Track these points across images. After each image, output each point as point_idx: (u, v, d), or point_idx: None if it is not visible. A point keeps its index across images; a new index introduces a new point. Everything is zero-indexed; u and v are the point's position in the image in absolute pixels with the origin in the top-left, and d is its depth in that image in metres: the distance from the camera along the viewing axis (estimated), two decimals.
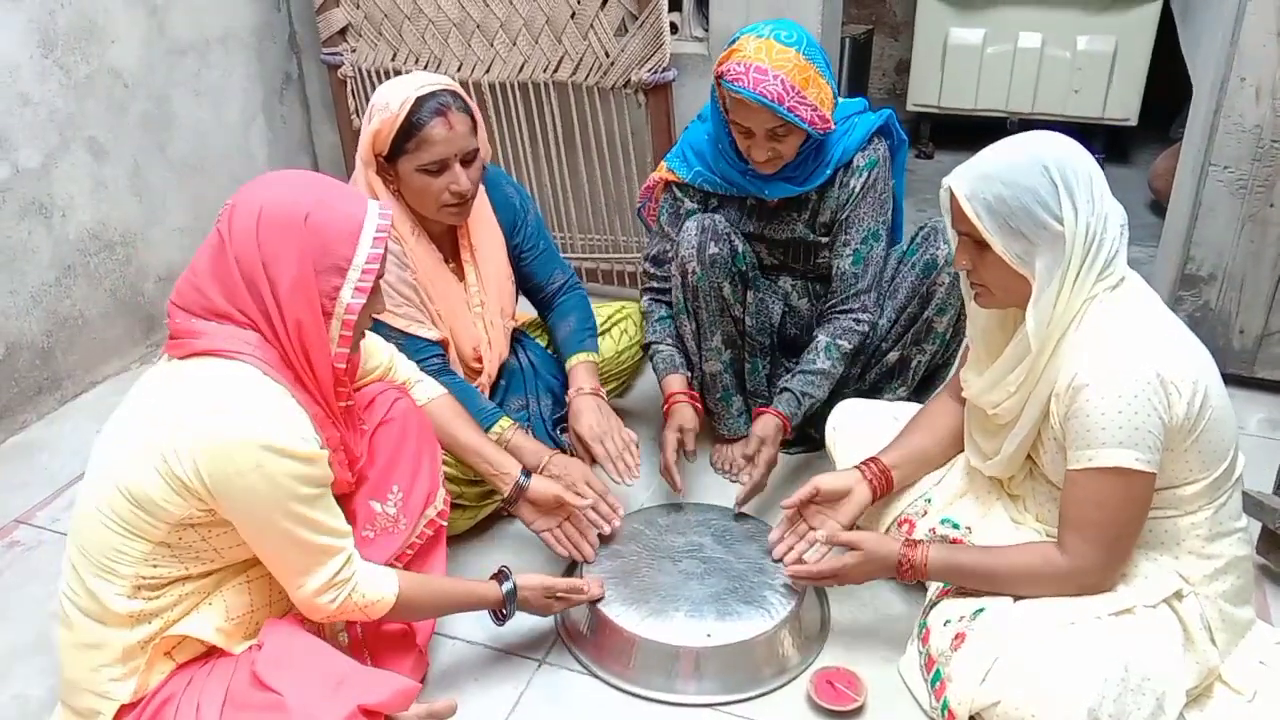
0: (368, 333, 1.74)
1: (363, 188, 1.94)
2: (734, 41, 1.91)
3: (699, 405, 2.18)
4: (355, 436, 1.56)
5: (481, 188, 2.07)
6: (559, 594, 1.73)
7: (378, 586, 1.46)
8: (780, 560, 1.80)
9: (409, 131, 1.84)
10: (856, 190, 2.05)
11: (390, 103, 1.84)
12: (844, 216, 2.08)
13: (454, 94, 1.88)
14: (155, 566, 1.35)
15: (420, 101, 1.84)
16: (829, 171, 2.04)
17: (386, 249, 1.40)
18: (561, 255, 2.31)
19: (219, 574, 1.43)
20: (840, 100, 2.06)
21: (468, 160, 1.91)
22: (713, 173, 2.10)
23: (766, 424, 2.06)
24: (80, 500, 1.38)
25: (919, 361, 2.17)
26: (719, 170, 2.09)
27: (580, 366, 2.14)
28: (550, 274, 2.25)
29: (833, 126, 1.95)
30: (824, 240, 2.13)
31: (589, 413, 2.03)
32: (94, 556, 1.34)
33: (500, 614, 1.69)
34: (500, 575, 1.69)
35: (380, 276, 1.40)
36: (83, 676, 1.38)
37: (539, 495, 1.85)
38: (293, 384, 1.37)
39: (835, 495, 1.77)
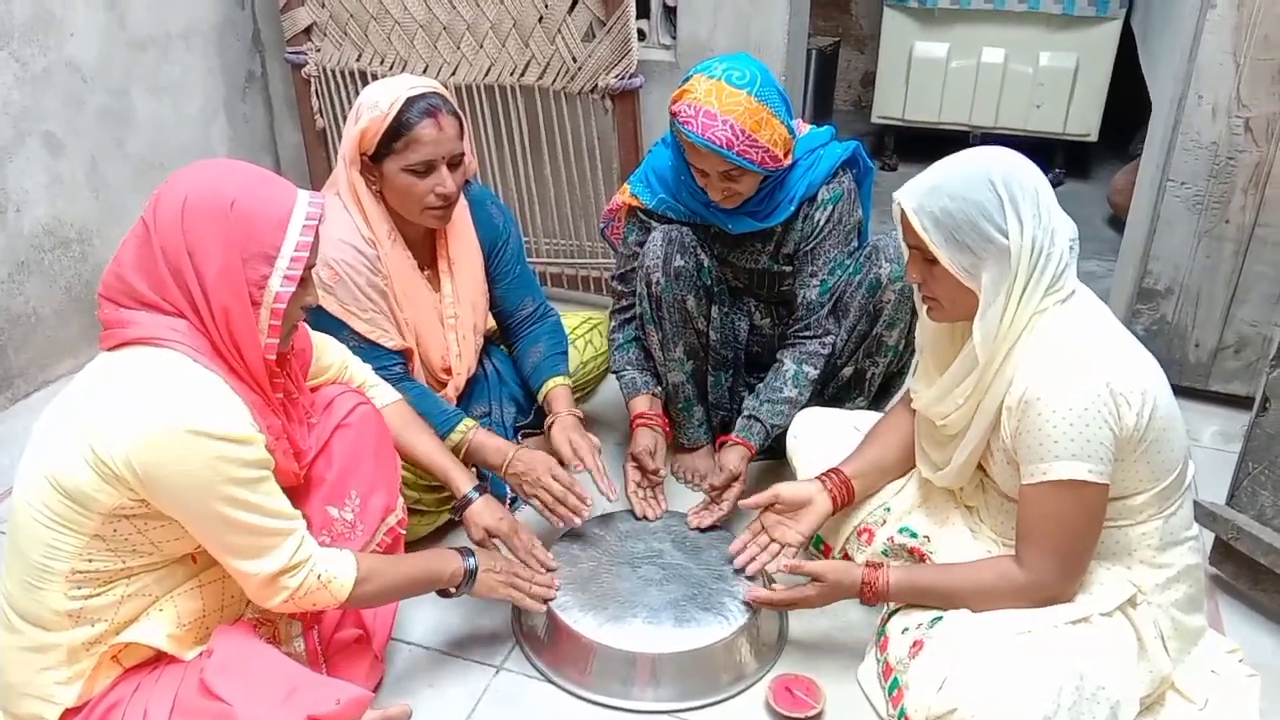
0: (321, 334, 1.72)
1: (344, 187, 1.92)
2: (688, 79, 1.89)
3: (664, 422, 2.19)
4: (300, 429, 1.52)
5: (464, 202, 2.05)
6: (519, 550, 1.76)
7: (337, 564, 1.42)
8: (742, 570, 1.80)
9: (398, 131, 1.83)
10: (821, 224, 2.05)
11: (380, 102, 1.84)
12: (809, 249, 2.07)
13: (443, 97, 1.89)
14: (90, 561, 1.31)
15: (410, 102, 1.83)
16: (793, 207, 2.03)
17: (317, 237, 1.37)
18: (538, 283, 2.30)
19: (163, 574, 1.40)
20: (809, 129, 2.06)
21: (454, 164, 1.90)
22: (676, 201, 2.09)
23: (736, 457, 2.04)
24: (14, 498, 1.35)
25: (874, 374, 2.18)
26: (682, 200, 2.08)
27: (557, 390, 2.12)
28: (521, 301, 2.23)
29: (785, 164, 1.93)
30: (788, 270, 2.13)
31: (568, 431, 2.03)
32: (28, 555, 1.31)
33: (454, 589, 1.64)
34: (463, 551, 1.65)
35: (311, 266, 1.38)
36: (25, 679, 1.35)
37: (475, 521, 1.80)
38: (226, 373, 1.34)
39: (796, 504, 1.77)
